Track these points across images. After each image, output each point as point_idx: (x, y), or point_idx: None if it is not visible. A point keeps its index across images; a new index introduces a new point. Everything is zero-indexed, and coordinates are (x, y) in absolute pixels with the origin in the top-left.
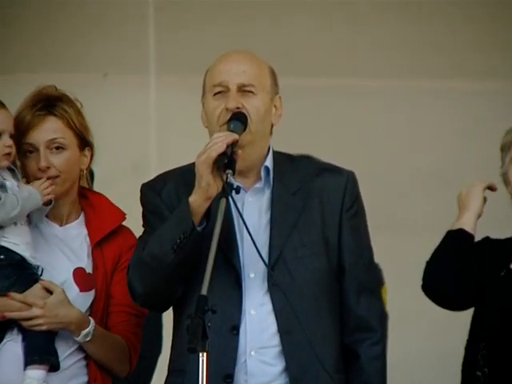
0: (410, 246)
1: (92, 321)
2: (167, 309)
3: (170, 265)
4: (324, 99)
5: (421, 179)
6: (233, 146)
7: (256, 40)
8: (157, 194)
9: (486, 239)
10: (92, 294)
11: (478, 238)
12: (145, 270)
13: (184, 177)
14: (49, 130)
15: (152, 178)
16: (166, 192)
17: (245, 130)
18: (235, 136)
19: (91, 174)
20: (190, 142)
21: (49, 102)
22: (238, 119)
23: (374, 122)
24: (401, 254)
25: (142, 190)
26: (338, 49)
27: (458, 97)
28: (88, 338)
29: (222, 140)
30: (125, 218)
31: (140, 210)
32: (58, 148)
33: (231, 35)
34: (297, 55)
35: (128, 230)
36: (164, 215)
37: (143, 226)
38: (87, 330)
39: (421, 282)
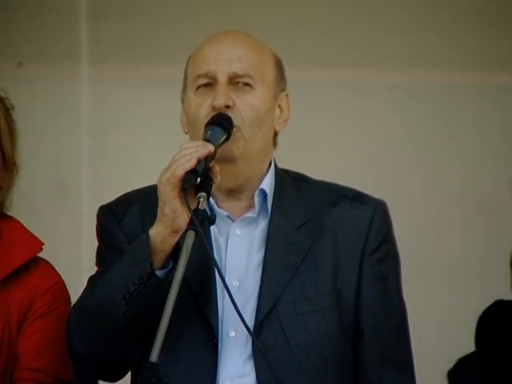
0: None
1: None
2: (121, 377)
3: (120, 319)
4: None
5: (455, 207)
6: (207, 160)
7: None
8: (116, 222)
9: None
10: None
11: None
12: (88, 323)
13: (153, 199)
14: None
15: (85, 201)
16: (128, 219)
17: (227, 139)
18: (210, 147)
19: None
20: (137, 155)
21: None
22: (219, 124)
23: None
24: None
25: (98, 216)
26: (342, 37)
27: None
28: None
29: (191, 153)
30: (41, 249)
31: (70, 244)
32: None
33: (192, 11)
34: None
35: (47, 266)
36: (123, 250)
37: (96, 263)
38: None
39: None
